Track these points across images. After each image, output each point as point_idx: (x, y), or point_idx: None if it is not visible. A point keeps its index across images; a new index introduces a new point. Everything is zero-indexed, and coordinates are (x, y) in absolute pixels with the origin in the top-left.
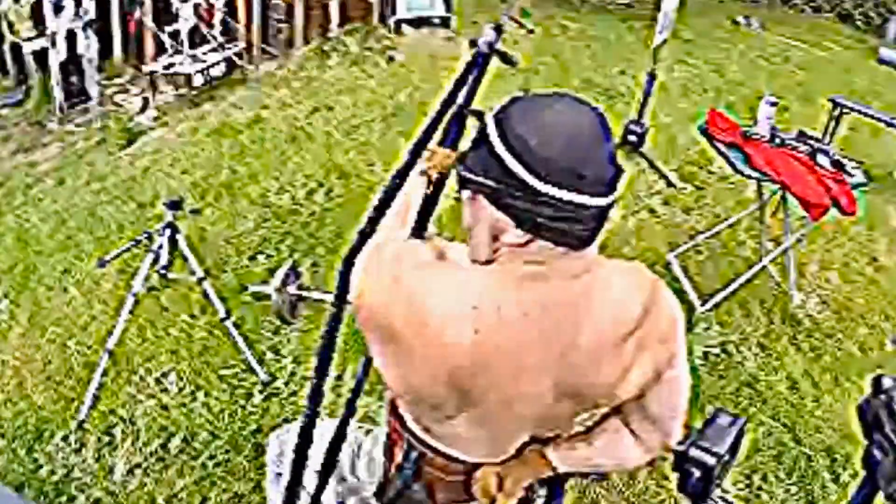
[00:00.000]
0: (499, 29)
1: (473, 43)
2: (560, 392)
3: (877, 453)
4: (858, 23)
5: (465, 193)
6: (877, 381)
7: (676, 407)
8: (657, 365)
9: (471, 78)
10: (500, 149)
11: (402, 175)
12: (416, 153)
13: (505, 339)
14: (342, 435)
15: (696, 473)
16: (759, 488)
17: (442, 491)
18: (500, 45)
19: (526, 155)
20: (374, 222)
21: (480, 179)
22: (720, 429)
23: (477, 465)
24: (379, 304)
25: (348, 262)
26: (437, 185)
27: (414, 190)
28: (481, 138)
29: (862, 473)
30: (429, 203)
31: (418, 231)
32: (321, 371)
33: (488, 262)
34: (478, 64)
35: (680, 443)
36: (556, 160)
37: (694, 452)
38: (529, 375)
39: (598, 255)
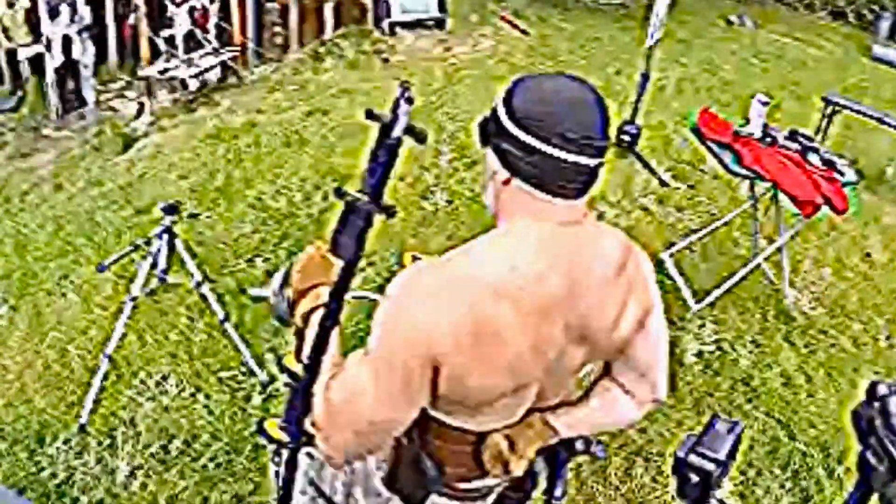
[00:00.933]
0: (409, 100)
1: (371, 116)
2: (570, 337)
3: (871, 458)
4: (851, 20)
5: (483, 148)
6: (872, 388)
7: (660, 358)
8: (641, 310)
9: (380, 166)
10: (499, 108)
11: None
12: (341, 295)
13: (541, 287)
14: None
15: (695, 479)
16: (755, 483)
17: (452, 465)
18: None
19: (516, 111)
20: (319, 355)
21: (487, 134)
22: (718, 435)
23: (483, 434)
24: (424, 350)
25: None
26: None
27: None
28: (493, 105)
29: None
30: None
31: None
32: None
33: (499, 220)
34: (386, 151)
35: (679, 448)
36: (537, 115)
37: (693, 458)
38: (551, 320)
39: (586, 209)
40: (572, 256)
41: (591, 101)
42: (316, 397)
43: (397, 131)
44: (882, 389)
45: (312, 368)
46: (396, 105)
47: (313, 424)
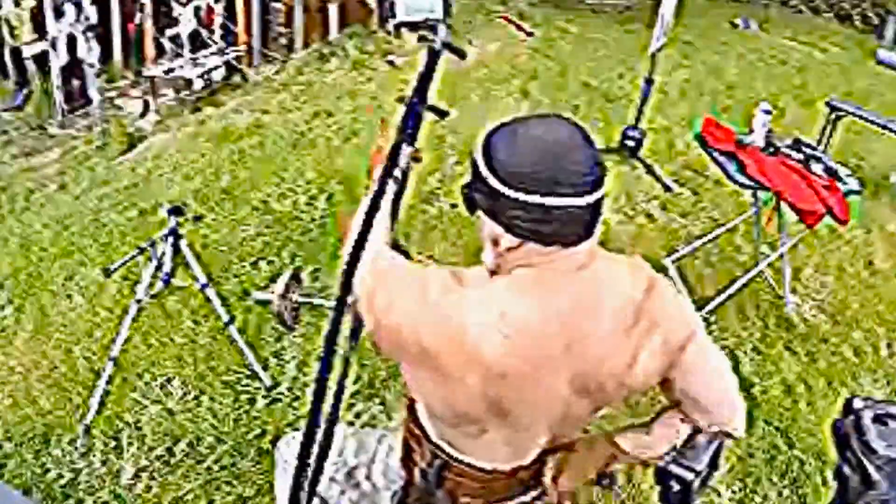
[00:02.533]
0: (450, 25)
1: (422, 38)
2: (575, 388)
3: (846, 469)
4: (857, 23)
5: (477, 212)
6: (848, 402)
7: (717, 389)
8: (671, 344)
9: (420, 73)
10: (481, 166)
11: (384, 182)
12: (393, 163)
13: (531, 339)
14: (328, 443)
15: (676, 487)
16: (753, 491)
17: (464, 495)
18: (448, 39)
19: (501, 169)
20: (366, 232)
21: (475, 197)
22: (699, 447)
23: (496, 470)
24: (411, 330)
25: (348, 274)
26: (403, 179)
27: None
28: (473, 162)
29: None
30: (397, 197)
31: (391, 224)
32: (323, 376)
33: (500, 274)
34: (431, 60)
35: (661, 459)
36: (526, 169)
37: (674, 468)
38: (551, 372)
39: (596, 248)
40: (573, 310)
41: (568, 138)
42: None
43: (438, 43)
44: (857, 403)
45: (357, 246)
46: (434, 29)
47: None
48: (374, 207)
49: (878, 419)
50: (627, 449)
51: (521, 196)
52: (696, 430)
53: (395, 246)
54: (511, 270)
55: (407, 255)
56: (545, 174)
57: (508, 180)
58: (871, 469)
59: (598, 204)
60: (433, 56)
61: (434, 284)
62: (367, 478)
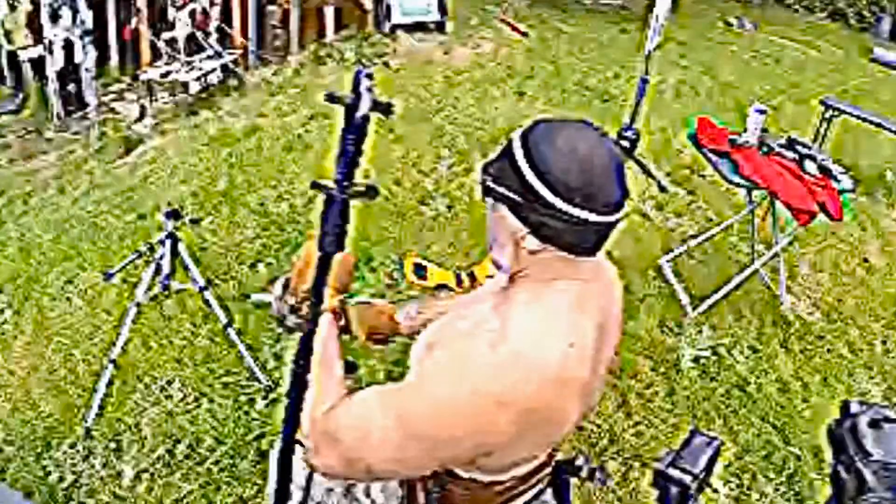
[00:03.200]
0: (370, 75)
1: (331, 97)
2: (585, 395)
3: (842, 472)
4: (852, 21)
5: (489, 202)
6: (845, 406)
7: None
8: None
9: (347, 150)
10: (524, 166)
11: (316, 314)
12: (319, 299)
13: (588, 348)
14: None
15: (674, 490)
16: (749, 487)
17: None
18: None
19: (548, 174)
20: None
21: (503, 191)
22: (696, 449)
23: (494, 481)
24: (492, 409)
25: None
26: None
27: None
28: (505, 154)
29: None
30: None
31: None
32: (299, 386)
33: (515, 287)
34: (354, 131)
35: (659, 461)
36: (573, 182)
37: (672, 472)
38: (598, 370)
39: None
40: (603, 311)
41: (612, 156)
42: (314, 416)
43: (363, 109)
44: (854, 407)
45: (299, 375)
46: (357, 83)
47: (305, 435)
48: (307, 351)
49: (873, 423)
50: (399, 320)
51: (563, 205)
52: (693, 433)
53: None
54: (533, 281)
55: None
56: (588, 189)
57: (555, 186)
58: (866, 473)
59: (618, 221)
60: (353, 116)
61: (475, 351)
62: (367, 494)
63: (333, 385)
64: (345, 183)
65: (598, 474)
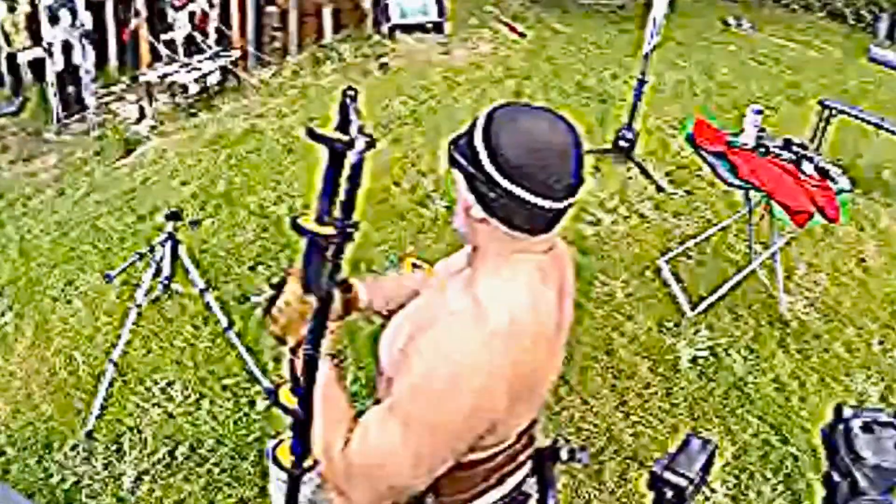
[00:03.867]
0: (358, 111)
1: (314, 136)
2: (561, 341)
3: (835, 475)
4: (850, 21)
5: (454, 170)
6: (838, 410)
7: None
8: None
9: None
10: (479, 145)
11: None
12: (315, 347)
13: (553, 317)
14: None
15: (669, 494)
16: (747, 487)
17: (449, 490)
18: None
19: (500, 157)
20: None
21: (461, 162)
22: (692, 453)
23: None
24: (497, 387)
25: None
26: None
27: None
28: (469, 130)
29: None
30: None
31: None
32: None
33: (478, 267)
34: (354, 175)
35: (655, 465)
36: (525, 167)
37: (667, 475)
38: (560, 336)
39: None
40: (560, 277)
41: (570, 145)
42: (330, 459)
43: (357, 153)
44: (847, 412)
45: (306, 411)
46: (346, 119)
47: (322, 476)
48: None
49: (866, 427)
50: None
51: (513, 189)
52: (689, 437)
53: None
54: (488, 252)
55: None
56: (542, 176)
57: (507, 171)
58: (858, 476)
59: (569, 207)
60: (358, 170)
61: (462, 333)
62: None
63: (342, 423)
64: (344, 226)
65: (577, 454)
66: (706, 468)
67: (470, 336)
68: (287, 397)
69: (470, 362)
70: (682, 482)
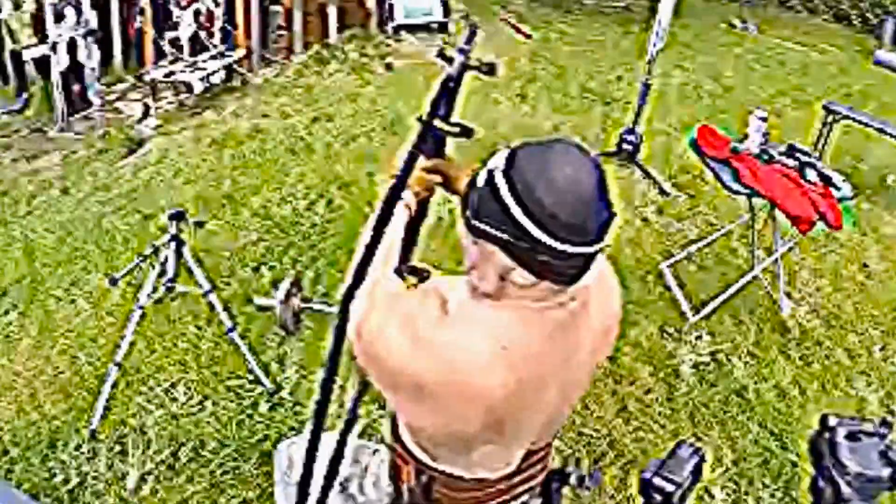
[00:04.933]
0: (472, 34)
1: (442, 55)
2: (562, 397)
3: (821, 483)
4: (855, 23)
5: (471, 238)
6: (823, 419)
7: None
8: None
9: (445, 93)
10: (513, 208)
11: (390, 204)
12: (403, 180)
13: (534, 367)
14: (341, 451)
15: (658, 498)
16: (746, 493)
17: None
18: (472, 58)
19: (538, 214)
20: (367, 259)
21: (494, 233)
22: (680, 459)
23: (483, 479)
24: (403, 367)
25: (346, 302)
26: (420, 209)
27: (396, 218)
28: (490, 190)
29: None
30: (414, 228)
31: (405, 257)
32: (325, 395)
33: (494, 296)
34: (452, 81)
35: (644, 471)
36: (564, 218)
37: (656, 480)
38: (548, 391)
39: None
40: (567, 332)
41: (599, 183)
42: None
43: (457, 65)
44: (832, 421)
45: (361, 267)
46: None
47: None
48: (381, 224)
49: (850, 436)
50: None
51: (555, 244)
52: (679, 443)
53: (413, 270)
54: (517, 299)
55: (425, 278)
56: (578, 223)
57: (547, 226)
58: (842, 484)
59: (600, 251)
60: (455, 79)
61: (422, 319)
62: (360, 489)
63: (387, 264)
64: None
65: (587, 481)
66: (695, 474)
67: (429, 331)
68: None
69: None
70: (670, 487)
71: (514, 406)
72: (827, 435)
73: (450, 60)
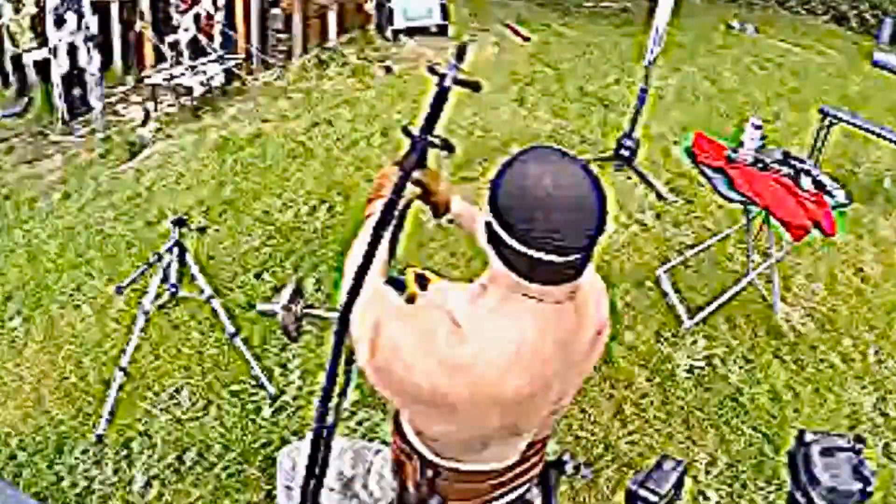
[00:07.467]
0: (461, 52)
1: (432, 70)
2: (561, 393)
3: (797, 495)
4: (854, 25)
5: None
6: (800, 435)
7: None
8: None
9: (430, 108)
10: (488, 216)
11: (388, 212)
12: (398, 197)
13: (542, 365)
14: (318, 450)
15: None
16: (739, 496)
17: (455, 497)
18: (459, 74)
19: (509, 222)
20: (364, 269)
21: (490, 232)
22: (664, 472)
23: (488, 470)
24: (426, 384)
25: (346, 313)
26: (399, 220)
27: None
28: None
29: None
30: (393, 237)
31: (389, 258)
32: (325, 403)
33: (491, 295)
34: (440, 97)
35: (630, 482)
36: (548, 233)
37: (641, 491)
38: (552, 388)
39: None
40: (569, 330)
41: (588, 195)
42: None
43: (447, 81)
44: (808, 437)
45: (358, 279)
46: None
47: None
48: (377, 238)
49: (825, 452)
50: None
51: (536, 254)
52: (662, 458)
53: (392, 280)
54: (499, 287)
55: (424, 284)
56: (565, 239)
57: (530, 242)
58: (814, 496)
59: (588, 259)
60: (442, 94)
61: (440, 336)
62: (364, 487)
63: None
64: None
65: (583, 469)
66: (678, 487)
67: (443, 349)
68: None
69: (434, 364)
70: (654, 498)
71: (528, 404)
72: (802, 450)
73: (441, 77)
